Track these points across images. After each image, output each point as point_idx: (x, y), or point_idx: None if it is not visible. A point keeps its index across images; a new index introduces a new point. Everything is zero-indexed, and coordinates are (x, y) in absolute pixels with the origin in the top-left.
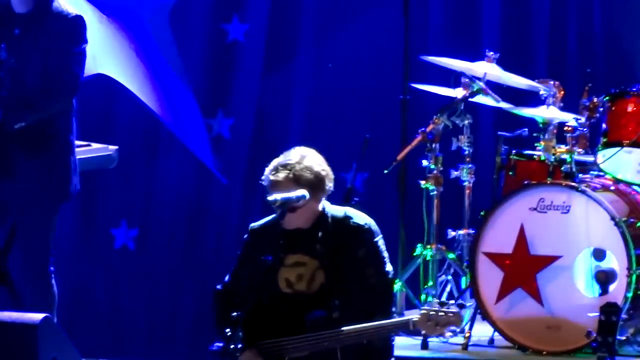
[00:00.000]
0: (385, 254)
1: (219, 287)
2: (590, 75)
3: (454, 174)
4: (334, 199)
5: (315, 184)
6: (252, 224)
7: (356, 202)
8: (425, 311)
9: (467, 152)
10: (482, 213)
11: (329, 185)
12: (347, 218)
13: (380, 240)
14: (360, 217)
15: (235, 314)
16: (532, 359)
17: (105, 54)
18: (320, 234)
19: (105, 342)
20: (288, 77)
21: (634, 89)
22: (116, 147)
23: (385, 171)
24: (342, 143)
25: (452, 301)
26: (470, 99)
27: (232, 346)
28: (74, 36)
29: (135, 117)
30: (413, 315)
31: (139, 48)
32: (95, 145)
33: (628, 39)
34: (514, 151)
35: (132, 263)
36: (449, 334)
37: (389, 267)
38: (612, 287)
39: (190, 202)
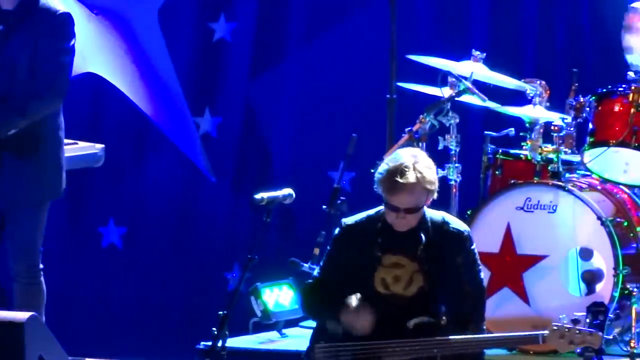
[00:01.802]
0: (480, 262)
1: (309, 281)
2: (576, 74)
3: (441, 173)
4: (320, 197)
5: (434, 182)
6: (345, 219)
7: (343, 201)
8: (556, 327)
9: (453, 152)
10: (468, 212)
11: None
12: (446, 223)
13: (476, 249)
14: (459, 223)
15: (222, 311)
16: (519, 359)
17: (94, 53)
18: (423, 237)
19: (93, 340)
20: (276, 76)
21: (621, 89)
22: (103, 145)
23: (372, 170)
24: (329, 142)
25: (588, 320)
26: (456, 98)
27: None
28: (63, 34)
29: (124, 115)
30: (543, 330)
31: (128, 46)
32: (81, 144)
33: (615, 39)
34: (500, 150)
35: (119, 261)
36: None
37: (482, 275)
38: (598, 287)
39: (179, 201)
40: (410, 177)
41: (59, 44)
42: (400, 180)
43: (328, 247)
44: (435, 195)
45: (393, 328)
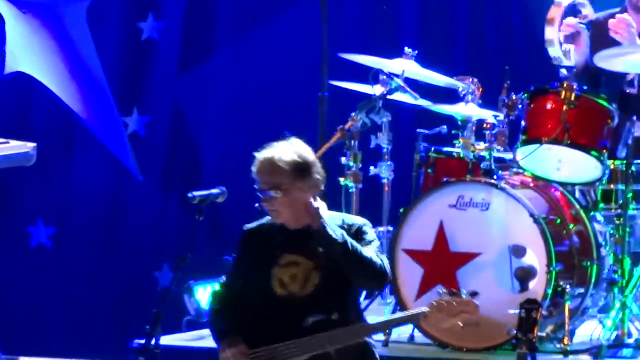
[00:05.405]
0: (379, 247)
1: (216, 288)
2: (508, 72)
3: (373, 171)
4: (251, 195)
5: (297, 163)
6: (246, 225)
7: None
8: (436, 303)
9: (385, 150)
10: (401, 210)
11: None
12: (341, 219)
13: (374, 235)
14: (356, 218)
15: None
16: (452, 356)
17: (24, 52)
18: None
19: (25, 339)
20: (205, 75)
21: (553, 86)
22: (34, 144)
23: None
24: (260, 140)
25: (464, 290)
26: (388, 96)
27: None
28: None
29: (52, 114)
30: (422, 308)
31: (58, 45)
32: (13, 143)
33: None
34: (433, 148)
35: (48, 261)
36: (461, 324)
37: (378, 245)
38: (531, 284)
39: (108, 200)
40: (265, 154)
41: None
42: (257, 158)
43: (234, 255)
44: (318, 183)
45: (291, 329)
